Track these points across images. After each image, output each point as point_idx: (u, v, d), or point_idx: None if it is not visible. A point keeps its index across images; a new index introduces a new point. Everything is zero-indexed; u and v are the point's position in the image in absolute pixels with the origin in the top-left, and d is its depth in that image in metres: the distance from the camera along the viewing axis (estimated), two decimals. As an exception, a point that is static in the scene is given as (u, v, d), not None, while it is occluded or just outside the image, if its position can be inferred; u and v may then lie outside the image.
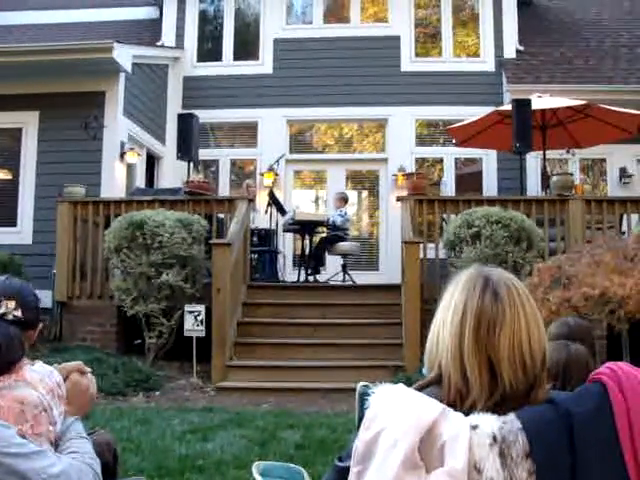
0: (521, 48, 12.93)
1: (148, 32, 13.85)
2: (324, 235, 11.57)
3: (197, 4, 13.71)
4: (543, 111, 10.01)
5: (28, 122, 10.82)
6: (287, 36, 13.32)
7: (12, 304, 1.99)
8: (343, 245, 11.18)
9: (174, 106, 12.90)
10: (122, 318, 8.85)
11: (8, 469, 1.70)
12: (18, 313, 2.00)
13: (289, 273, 11.75)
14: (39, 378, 1.93)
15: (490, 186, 12.38)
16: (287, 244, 12.27)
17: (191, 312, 8.12)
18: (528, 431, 1.31)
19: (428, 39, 13.67)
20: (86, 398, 2.14)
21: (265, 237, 11.00)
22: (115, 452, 2.28)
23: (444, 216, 9.52)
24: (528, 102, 9.42)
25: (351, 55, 12.89)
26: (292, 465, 2.72)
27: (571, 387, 1.57)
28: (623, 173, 12.12)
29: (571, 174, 9.84)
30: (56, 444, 1.93)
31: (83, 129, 10.51)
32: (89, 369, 2.21)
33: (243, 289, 9.26)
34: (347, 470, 1.42)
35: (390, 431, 1.33)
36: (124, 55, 10.61)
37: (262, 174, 12.64)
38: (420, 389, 1.46)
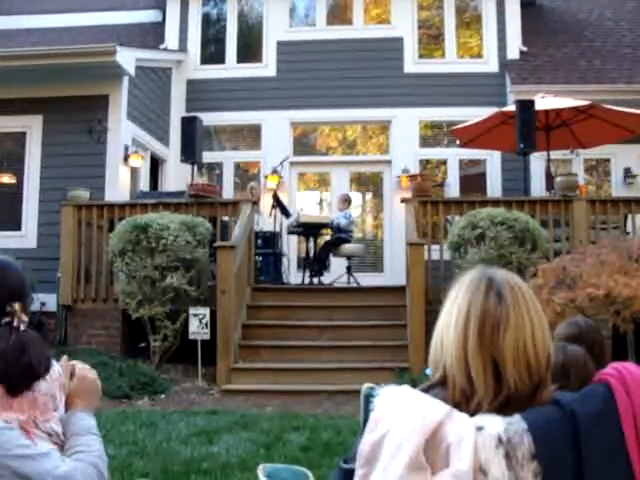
0: (524, 49, 12.92)
1: (151, 35, 13.87)
2: (328, 237, 11.57)
3: (200, 7, 13.72)
4: (547, 112, 9.99)
5: (32, 126, 10.83)
6: (290, 38, 13.33)
7: (17, 306, 1.92)
8: (347, 247, 11.17)
9: (178, 109, 12.92)
10: (127, 321, 8.85)
11: (14, 472, 1.70)
12: (26, 318, 1.95)
13: (294, 275, 11.74)
14: None
15: (494, 187, 12.37)
16: (291, 246, 12.27)
17: (196, 315, 8.12)
18: (533, 432, 1.31)
19: (431, 40, 13.66)
20: (96, 391, 2.16)
21: (269, 239, 10.99)
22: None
23: (448, 217, 9.52)
24: (532, 103, 9.41)
25: (354, 57, 12.90)
26: (297, 467, 2.71)
27: (570, 389, 1.56)
28: (627, 173, 12.09)
29: (575, 174, 9.82)
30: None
31: (87, 133, 10.52)
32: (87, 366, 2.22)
33: (248, 292, 9.27)
34: (352, 472, 1.41)
35: (395, 433, 1.33)
36: (127, 58, 10.61)
37: (266, 177, 12.65)
38: (425, 391, 1.45)
